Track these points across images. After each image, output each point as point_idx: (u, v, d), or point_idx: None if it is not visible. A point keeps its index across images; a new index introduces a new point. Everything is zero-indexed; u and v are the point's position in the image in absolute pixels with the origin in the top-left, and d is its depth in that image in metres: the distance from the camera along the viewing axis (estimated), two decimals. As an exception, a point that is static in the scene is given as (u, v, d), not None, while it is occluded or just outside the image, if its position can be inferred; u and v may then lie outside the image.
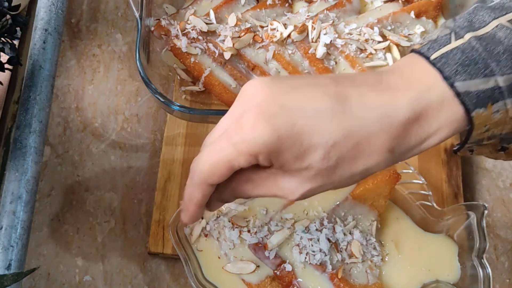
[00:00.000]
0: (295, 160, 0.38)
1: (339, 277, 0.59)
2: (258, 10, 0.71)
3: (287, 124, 0.37)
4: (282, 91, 0.38)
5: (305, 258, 0.59)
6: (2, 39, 0.57)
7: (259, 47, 0.68)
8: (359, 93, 0.38)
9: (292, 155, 0.37)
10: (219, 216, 0.63)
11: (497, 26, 0.38)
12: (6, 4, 0.56)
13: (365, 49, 0.67)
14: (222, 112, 0.66)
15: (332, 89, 0.38)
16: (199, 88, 0.70)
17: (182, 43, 0.67)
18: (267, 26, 0.69)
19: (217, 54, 0.67)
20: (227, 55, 0.67)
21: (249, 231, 0.61)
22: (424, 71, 0.38)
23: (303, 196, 0.40)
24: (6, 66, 0.58)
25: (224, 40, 0.68)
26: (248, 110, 0.38)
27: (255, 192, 0.41)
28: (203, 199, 0.41)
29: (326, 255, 0.59)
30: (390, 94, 0.38)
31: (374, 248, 0.62)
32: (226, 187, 0.41)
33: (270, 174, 0.40)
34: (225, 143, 0.38)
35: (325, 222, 0.61)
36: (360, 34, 0.68)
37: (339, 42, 0.67)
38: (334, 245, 0.60)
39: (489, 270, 0.59)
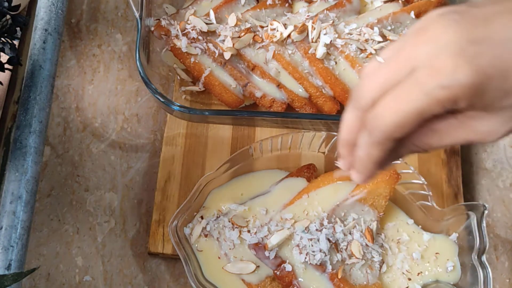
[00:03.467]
0: (503, 97, 0.34)
1: (339, 277, 0.59)
2: (258, 10, 0.71)
3: (493, 60, 0.33)
4: (476, 24, 0.34)
5: (305, 258, 0.59)
6: (2, 39, 0.57)
7: (259, 47, 0.68)
8: None
9: (500, 92, 0.34)
10: (219, 216, 0.63)
11: None
12: (6, 4, 0.56)
13: (365, 49, 0.67)
14: (222, 112, 0.67)
15: None
16: (199, 88, 0.70)
17: (182, 43, 0.67)
18: (267, 26, 0.69)
19: (217, 54, 0.67)
20: (227, 55, 0.67)
21: (249, 231, 0.61)
22: None
23: (503, 136, 0.37)
24: (6, 66, 0.58)
25: (224, 40, 0.68)
26: (441, 50, 0.33)
27: (443, 142, 0.37)
28: (383, 156, 0.38)
29: (326, 255, 0.59)
30: None
31: (374, 248, 0.62)
32: (406, 141, 0.37)
33: (465, 118, 0.36)
34: (417, 92, 0.34)
35: (325, 222, 0.61)
36: (360, 34, 0.68)
37: (339, 42, 0.67)
38: (334, 245, 0.60)
39: (489, 270, 0.59)
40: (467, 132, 0.37)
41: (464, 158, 0.72)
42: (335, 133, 0.65)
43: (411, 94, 0.34)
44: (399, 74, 0.35)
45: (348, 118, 0.39)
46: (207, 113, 0.63)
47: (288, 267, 0.59)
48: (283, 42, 0.68)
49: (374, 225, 0.62)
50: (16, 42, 0.59)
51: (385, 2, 0.73)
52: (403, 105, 0.35)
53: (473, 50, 0.33)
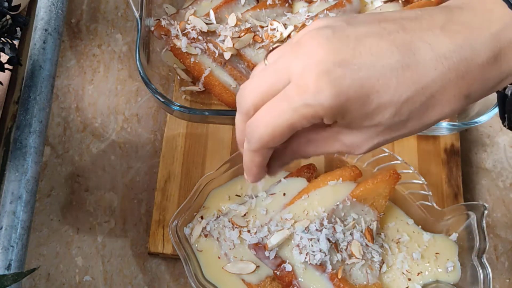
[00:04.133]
0: (363, 118, 0.36)
1: (339, 277, 0.59)
2: (258, 10, 0.71)
3: (354, 84, 0.34)
4: (345, 45, 0.35)
5: (305, 258, 0.59)
6: (2, 39, 0.57)
7: (259, 47, 0.68)
8: (430, 40, 0.35)
9: (360, 114, 0.36)
10: (219, 216, 0.63)
11: None
12: (6, 4, 0.56)
13: (365, 49, 0.67)
14: (222, 112, 0.67)
15: (399, 38, 0.35)
16: (199, 88, 0.70)
17: (182, 43, 0.67)
18: (267, 26, 0.69)
19: (217, 54, 0.67)
20: (227, 55, 0.67)
21: (249, 231, 0.61)
22: (499, 3, 0.35)
23: (370, 150, 0.39)
24: (6, 66, 0.58)
25: (224, 40, 0.68)
26: (308, 68, 0.35)
27: (318, 152, 0.40)
28: (264, 161, 0.40)
29: (326, 255, 0.59)
30: (464, 34, 0.35)
31: (374, 248, 0.62)
32: (286, 149, 0.40)
33: (333, 132, 0.38)
34: (286, 106, 0.36)
35: (325, 222, 0.61)
36: (360, 34, 0.68)
37: (339, 42, 0.67)
38: (334, 245, 0.60)
39: (489, 270, 0.59)
40: (337, 144, 0.39)
41: (464, 158, 0.72)
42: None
43: (281, 108, 0.36)
44: (277, 83, 0.37)
45: (237, 120, 0.41)
46: (207, 113, 0.63)
47: (288, 267, 0.59)
48: (283, 42, 0.68)
49: (374, 225, 0.62)
50: (16, 42, 0.59)
51: (385, 2, 0.73)
52: (273, 118, 0.36)
53: (337, 72, 0.34)
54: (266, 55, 0.40)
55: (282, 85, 0.36)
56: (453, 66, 0.35)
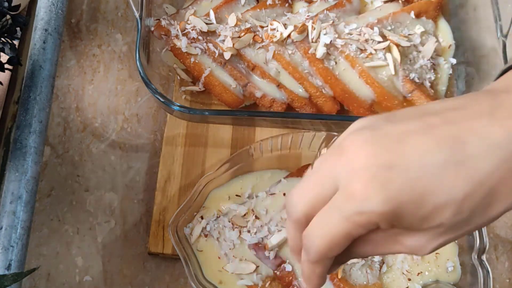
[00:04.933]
0: (421, 221, 0.34)
1: (339, 277, 0.59)
2: (258, 10, 0.71)
3: (405, 187, 0.32)
4: (388, 146, 0.33)
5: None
6: (2, 39, 0.57)
7: (259, 47, 0.68)
8: (479, 130, 0.33)
9: (417, 217, 0.33)
10: (219, 216, 0.63)
11: None
12: (6, 4, 0.56)
13: (365, 49, 0.67)
14: (222, 112, 0.67)
15: (445, 132, 0.33)
16: (199, 88, 0.70)
17: (182, 43, 0.67)
18: (267, 26, 0.69)
19: (217, 54, 0.67)
20: (227, 55, 0.67)
21: (249, 231, 0.61)
22: None
23: (434, 250, 0.36)
24: (6, 66, 0.58)
25: (224, 40, 0.68)
26: (354, 175, 0.33)
27: (377, 252, 0.38)
28: (326, 270, 0.38)
29: (326, 255, 0.59)
30: None
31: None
32: (345, 251, 0.37)
33: (393, 234, 0.36)
34: (338, 217, 0.34)
35: (325, 222, 0.61)
36: (360, 34, 0.68)
37: (339, 42, 0.67)
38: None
39: (489, 270, 0.59)
40: (398, 246, 0.37)
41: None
42: (335, 133, 0.65)
43: (333, 219, 0.35)
44: (324, 190, 0.35)
45: (289, 228, 0.40)
46: (207, 113, 0.63)
47: (288, 267, 0.59)
48: (283, 42, 0.68)
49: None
50: (16, 42, 0.59)
51: (385, 2, 0.73)
52: (328, 229, 0.35)
53: (384, 176, 0.33)
54: (313, 163, 0.38)
55: (330, 192, 0.35)
56: (509, 155, 0.32)
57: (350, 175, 0.34)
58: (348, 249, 0.37)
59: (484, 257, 0.59)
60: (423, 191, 0.32)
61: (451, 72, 0.71)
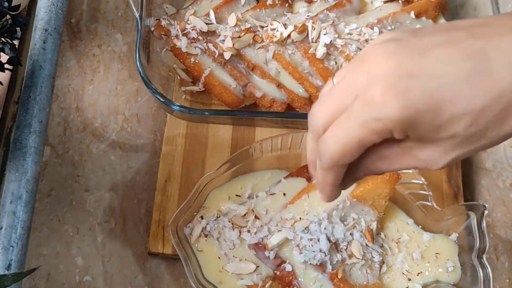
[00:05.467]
0: (436, 131, 0.34)
1: (339, 277, 0.59)
2: (258, 10, 0.71)
3: (423, 95, 0.33)
4: (411, 56, 0.34)
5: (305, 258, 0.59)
6: (2, 39, 0.57)
7: (259, 47, 0.68)
8: (503, 46, 0.33)
9: (432, 126, 0.34)
10: (219, 216, 0.63)
11: None
12: (6, 4, 0.56)
13: (365, 49, 0.67)
14: (222, 112, 0.67)
15: (470, 46, 0.34)
16: (199, 88, 0.70)
17: (182, 43, 0.67)
18: (267, 26, 0.69)
19: (217, 54, 0.67)
20: (227, 55, 0.67)
21: (249, 231, 0.61)
22: None
23: (448, 164, 0.37)
24: (6, 66, 0.58)
25: (224, 40, 0.68)
26: (374, 82, 0.34)
27: (391, 168, 0.38)
28: (337, 179, 0.39)
29: (326, 255, 0.59)
30: None
31: (374, 248, 0.62)
32: (359, 165, 0.38)
33: (406, 147, 0.37)
34: (353, 122, 0.35)
35: (325, 222, 0.61)
36: (360, 34, 0.68)
37: (339, 42, 0.67)
38: (334, 245, 0.60)
39: (489, 270, 0.59)
40: (412, 159, 0.37)
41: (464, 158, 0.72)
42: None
43: (349, 125, 0.35)
44: (345, 100, 0.36)
45: (309, 141, 0.41)
46: (207, 113, 0.63)
47: (288, 267, 0.59)
48: (283, 42, 0.68)
49: (374, 225, 0.62)
50: (16, 42, 0.59)
51: (385, 2, 0.73)
52: (342, 135, 0.36)
53: (404, 84, 0.33)
54: (333, 74, 0.39)
55: (349, 102, 0.36)
56: None
57: (370, 82, 0.34)
58: (362, 162, 0.38)
59: (484, 257, 0.59)
60: (441, 101, 0.33)
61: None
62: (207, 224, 0.62)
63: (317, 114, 0.38)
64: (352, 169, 0.39)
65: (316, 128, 0.38)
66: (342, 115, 0.36)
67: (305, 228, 0.60)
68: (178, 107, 0.62)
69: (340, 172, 0.38)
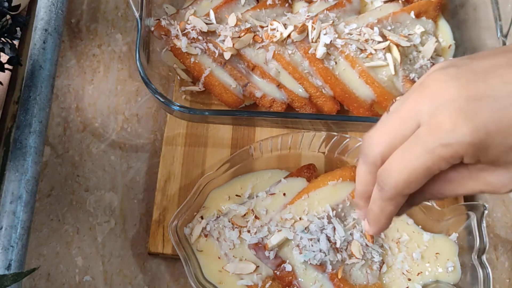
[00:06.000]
0: (509, 152, 0.34)
1: (339, 277, 0.59)
2: (258, 10, 0.71)
3: (493, 117, 0.33)
4: (474, 79, 0.34)
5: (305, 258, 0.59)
6: (2, 39, 0.57)
7: (259, 47, 0.68)
8: None
9: (504, 148, 0.33)
10: (219, 216, 0.63)
11: None
12: (6, 4, 0.56)
13: (365, 49, 0.67)
14: (222, 112, 0.67)
15: None
16: (199, 88, 0.70)
17: (182, 43, 0.67)
18: (267, 26, 0.69)
19: (217, 54, 0.67)
20: (227, 55, 0.67)
21: (249, 231, 0.61)
22: None
23: None
24: (6, 66, 0.58)
25: (224, 40, 0.68)
26: (439, 108, 0.33)
27: (456, 192, 0.37)
28: (396, 210, 0.38)
29: (326, 255, 0.59)
30: None
31: (374, 249, 0.62)
32: (420, 191, 0.37)
33: (475, 171, 0.36)
34: (420, 150, 0.34)
35: (325, 222, 0.61)
36: (360, 34, 0.68)
37: (339, 42, 0.67)
38: (334, 245, 0.60)
39: (489, 270, 0.59)
40: (479, 183, 0.36)
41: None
42: (335, 133, 0.65)
43: (415, 152, 0.34)
44: (404, 129, 0.35)
45: (361, 172, 0.40)
46: (207, 113, 0.63)
47: (288, 267, 0.59)
48: (283, 42, 0.68)
49: (374, 225, 0.62)
50: (16, 42, 0.59)
51: (385, 2, 0.73)
52: (408, 163, 0.35)
53: (472, 107, 0.33)
54: (389, 106, 0.38)
55: (410, 131, 0.35)
56: None
57: (434, 108, 0.34)
58: (424, 189, 0.37)
59: (484, 257, 0.59)
60: (511, 120, 0.33)
61: (451, 72, 0.71)
62: (207, 224, 0.62)
63: (373, 143, 0.37)
64: (411, 196, 0.38)
65: (373, 158, 0.37)
66: (406, 143, 0.35)
67: (305, 228, 0.60)
68: (178, 107, 0.62)
69: (401, 202, 0.38)
